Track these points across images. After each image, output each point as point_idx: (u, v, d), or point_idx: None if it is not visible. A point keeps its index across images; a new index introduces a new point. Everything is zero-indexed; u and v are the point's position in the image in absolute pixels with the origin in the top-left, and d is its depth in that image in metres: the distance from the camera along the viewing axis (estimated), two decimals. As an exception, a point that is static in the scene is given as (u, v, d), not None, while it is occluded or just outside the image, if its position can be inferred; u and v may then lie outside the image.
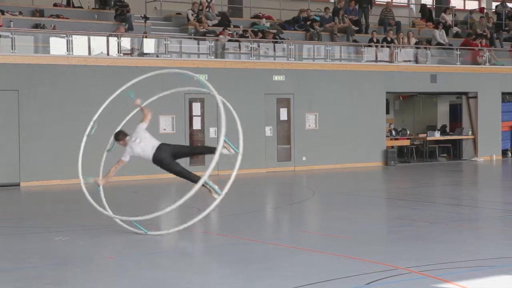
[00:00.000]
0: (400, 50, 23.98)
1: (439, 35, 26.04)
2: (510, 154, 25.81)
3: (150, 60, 19.12)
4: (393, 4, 28.77)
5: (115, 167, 10.23)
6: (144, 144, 10.14)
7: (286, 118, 21.23)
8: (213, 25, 22.59)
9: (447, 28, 27.59)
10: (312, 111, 21.53)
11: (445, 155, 25.59)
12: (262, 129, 20.56)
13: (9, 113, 17.38)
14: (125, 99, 10.77)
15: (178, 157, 10.38)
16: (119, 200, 13.70)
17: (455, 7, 30.96)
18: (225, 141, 9.70)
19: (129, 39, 19.83)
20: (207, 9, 23.12)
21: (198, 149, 10.85)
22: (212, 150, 10.02)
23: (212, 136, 19.75)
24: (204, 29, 21.64)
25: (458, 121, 25.38)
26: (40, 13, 20.56)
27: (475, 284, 7.00)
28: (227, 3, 26.11)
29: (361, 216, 11.99)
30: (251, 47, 21.28)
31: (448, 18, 28.50)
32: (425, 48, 24.62)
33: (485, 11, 31.90)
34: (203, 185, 9.64)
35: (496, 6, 32.89)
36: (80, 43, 18.81)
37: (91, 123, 10.63)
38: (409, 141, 24.20)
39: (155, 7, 24.05)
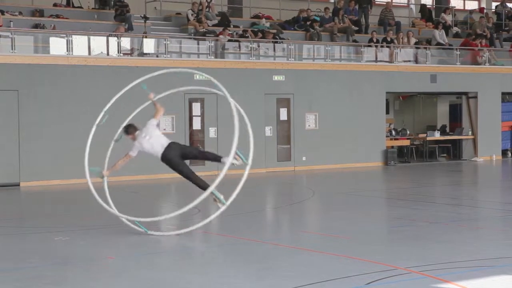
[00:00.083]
0: (400, 50, 23.98)
1: (439, 35, 26.03)
2: (510, 154, 25.80)
3: (150, 60, 19.11)
4: (393, 4, 28.78)
5: (122, 160, 10.10)
6: (153, 141, 10.02)
7: (286, 118, 21.23)
8: (213, 25, 22.58)
9: (447, 28, 27.58)
10: (312, 111, 21.53)
11: (445, 155, 25.58)
12: (262, 129, 20.53)
13: (9, 113, 17.38)
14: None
15: (187, 158, 10.32)
16: (119, 200, 13.67)
17: (455, 7, 30.95)
18: (236, 153, 9.72)
19: (129, 39, 19.82)
20: (207, 9, 23.11)
21: (209, 155, 10.79)
22: (218, 159, 10.04)
23: (212, 136, 19.75)
24: (204, 29, 21.63)
25: (458, 121, 25.37)
26: (40, 13, 20.55)
27: (475, 284, 7.00)
28: (227, 3, 26.11)
29: (361, 216, 11.99)
30: (251, 47, 21.27)
31: (448, 18, 28.49)
32: (425, 48, 24.61)
33: (485, 11, 31.89)
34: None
35: (496, 6, 32.87)
36: (80, 43, 18.81)
37: (102, 113, 10.45)
38: (409, 141, 24.19)
39: (155, 7, 24.04)
